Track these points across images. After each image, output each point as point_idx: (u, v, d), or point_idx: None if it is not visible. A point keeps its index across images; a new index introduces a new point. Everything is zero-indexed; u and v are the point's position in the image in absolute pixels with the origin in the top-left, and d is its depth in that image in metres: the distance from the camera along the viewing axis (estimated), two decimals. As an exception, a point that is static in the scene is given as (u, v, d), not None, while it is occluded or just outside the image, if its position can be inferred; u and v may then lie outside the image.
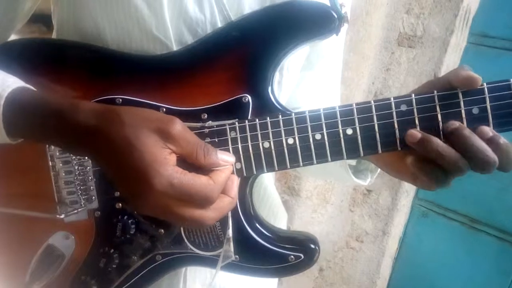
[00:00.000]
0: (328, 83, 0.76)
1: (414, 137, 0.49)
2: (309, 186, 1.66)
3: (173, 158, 0.45)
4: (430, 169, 0.49)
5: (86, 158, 0.56)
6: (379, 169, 0.65)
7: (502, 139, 0.48)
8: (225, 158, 0.49)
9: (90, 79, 0.55)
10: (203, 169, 0.47)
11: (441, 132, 0.50)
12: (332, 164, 0.57)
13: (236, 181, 0.50)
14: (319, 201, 1.71)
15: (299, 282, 1.82)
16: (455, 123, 0.49)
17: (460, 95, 0.49)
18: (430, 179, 0.50)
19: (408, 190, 1.68)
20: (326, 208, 1.74)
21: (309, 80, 0.72)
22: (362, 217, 1.78)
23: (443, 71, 1.49)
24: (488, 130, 0.48)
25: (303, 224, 1.70)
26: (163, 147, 0.44)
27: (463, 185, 1.56)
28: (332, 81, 0.77)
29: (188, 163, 0.46)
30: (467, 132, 0.48)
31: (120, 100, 0.55)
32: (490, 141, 0.48)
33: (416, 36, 1.54)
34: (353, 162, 0.67)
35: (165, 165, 0.43)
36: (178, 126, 0.45)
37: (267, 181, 0.72)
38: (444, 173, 0.49)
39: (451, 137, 0.49)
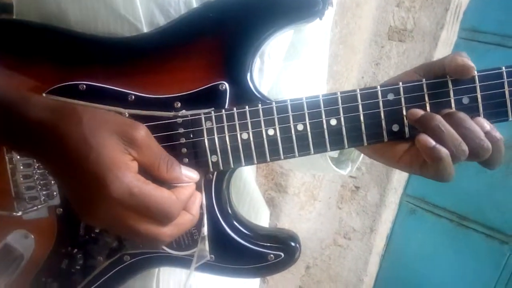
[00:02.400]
0: (313, 73, 0.72)
1: (415, 115, 0.46)
2: (296, 183, 1.63)
3: (134, 165, 0.41)
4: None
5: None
6: (360, 158, 0.62)
7: (499, 133, 0.45)
8: (189, 175, 0.46)
9: (50, 63, 0.51)
10: (163, 183, 0.43)
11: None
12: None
13: (199, 199, 0.47)
14: (306, 198, 1.69)
15: (285, 280, 1.79)
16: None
17: (450, 84, 0.46)
18: (426, 166, 0.46)
19: (396, 187, 1.67)
20: (314, 205, 1.72)
21: (293, 69, 0.68)
22: (350, 214, 1.76)
23: (433, 66, 1.47)
24: (485, 123, 0.45)
25: (290, 221, 1.67)
26: (124, 151, 0.41)
27: (451, 182, 1.53)
28: (318, 71, 0.73)
29: (148, 175, 0.43)
30: (463, 115, 0.45)
31: (84, 86, 0.50)
32: (486, 134, 0.45)
33: (406, 30, 1.51)
34: (335, 154, 0.64)
35: (125, 170, 0.40)
36: (143, 132, 0.42)
37: (247, 174, 0.68)
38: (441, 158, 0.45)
39: (448, 120, 0.45)
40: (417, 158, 0.47)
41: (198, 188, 0.48)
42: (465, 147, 0.44)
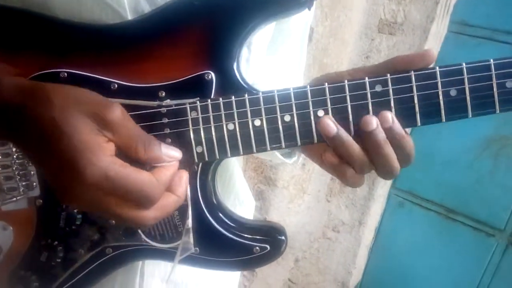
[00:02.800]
0: (288, 70, 0.71)
1: (327, 132, 0.47)
2: (286, 176, 1.63)
3: (110, 147, 0.40)
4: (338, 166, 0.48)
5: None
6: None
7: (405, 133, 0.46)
8: (170, 153, 0.44)
9: (31, 51, 0.49)
10: (144, 165, 0.42)
11: (417, 115, 0.46)
12: None
13: (185, 177, 0.45)
14: (296, 191, 1.69)
15: (274, 273, 1.79)
16: (372, 124, 0.45)
17: (438, 75, 0.46)
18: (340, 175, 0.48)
19: (385, 180, 1.67)
20: (303, 198, 1.72)
21: (269, 66, 0.66)
22: (339, 207, 1.76)
23: (423, 60, 1.46)
24: (390, 118, 0.45)
25: (280, 215, 1.67)
26: (98, 133, 0.39)
27: (439, 175, 1.56)
28: (294, 68, 0.72)
29: (126, 157, 0.41)
30: (382, 138, 0.45)
31: (65, 74, 0.48)
32: (388, 130, 0.45)
33: (396, 23, 1.51)
34: None
35: (100, 153, 0.38)
36: (117, 112, 0.40)
37: (233, 166, 0.67)
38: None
39: (365, 137, 0.46)
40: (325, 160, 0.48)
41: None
42: (371, 168, 0.47)
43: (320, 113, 0.47)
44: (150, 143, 0.43)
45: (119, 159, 0.40)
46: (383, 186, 1.68)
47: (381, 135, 0.45)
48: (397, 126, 0.46)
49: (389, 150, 0.46)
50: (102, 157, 0.38)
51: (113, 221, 0.50)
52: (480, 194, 1.49)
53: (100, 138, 0.39)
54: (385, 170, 0.47)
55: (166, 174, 0.43)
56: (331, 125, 0.46)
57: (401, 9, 1.49)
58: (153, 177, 0.41)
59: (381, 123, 0.45)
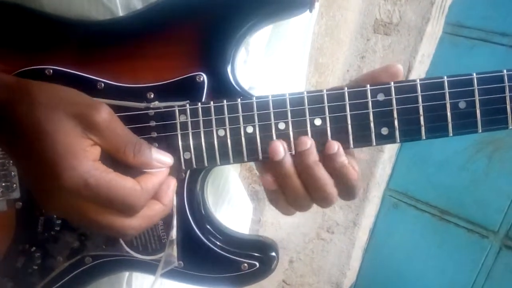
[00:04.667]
0: (288, 72, 0.67)
1: (276, 153, 0.44)
2: (281, 177, 1.61)
3: (95, 151, 0.38)
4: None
5: None
6: None
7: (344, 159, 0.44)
8: (161, 159, 0.42)
9: (16, 45, 0.46)
10: (133, 170, 0.40)
11: (422, 128, 0.43)
12: None
13: (172, 185, 0.43)
14: (291, 192, 1.67)
15: (267, 274, 1.78)
16: (306, 142, 0.44)
17: (446, 85, 0.43)
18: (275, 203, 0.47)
19: (379, 182, 1.67)
20: (298, 199, 1.70)
21: (267, 67, 0.63)
22: (333, 208, 1.75)
23: (418, 60, 1.46)
24: (335, 147, 0.43)
25: (274, 216, 1.66)
26: (83, 136, 0.37)
27: (434, 177, 1.55)
28: (293, 71, 0.68)
29: (114, 161, 0.39)
30: (312, 160, 0.43)
31: (51, 71, 0.46)
32: (329, 159, 0.43)
33: (392, 23, 1.50)
34: None
35: (82, 158, 0.36)
36: (104, 113, 0.38)
37: (228, 172, 0.64)
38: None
39: (302, 166, 0.44)
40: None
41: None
42: (308, 203, 0.45)
43: (317, 121, 0.44)
44: (140, 147, 0.40)
45: (102, 165, 0.38)
46: (377, 187, 1.67)
47: (312, 156, 0.43)
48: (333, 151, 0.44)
49: (321, 173, 0.44)
50: (83, 161, 0.36)
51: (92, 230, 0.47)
52: (474, 195, 1.48)
53: (85, 141, 0.37)
54: (318, 195, 0.45)
55: (153, 182, 0.40)
56: (280, 149, 0.44)
57: (396, 9, 1.48)
58: (137, 184, 0.39)
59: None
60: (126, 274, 0.56)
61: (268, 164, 0.46)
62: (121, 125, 0.40)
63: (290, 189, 0.44)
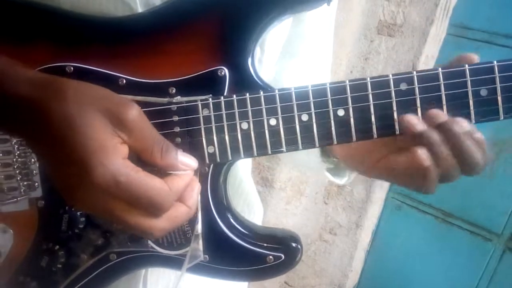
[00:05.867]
0: (314, 70, 0.68)
1: (413, 126, 0.42)
2: (283, 177, 1.61)
3: (124, 150, 0.38)
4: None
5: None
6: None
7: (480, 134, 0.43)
8: (186, 162, 0.42)
9: (36, 43, 0.46)
10: (157, 170, 0.40)
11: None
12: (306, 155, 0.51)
13: (197, 189, 0.43)
14: (293, 192, 1.67)
15: (270, 276, 1.77)
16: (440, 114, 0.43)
17: (467, 73, 0.43)
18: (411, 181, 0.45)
19: (382, 184, 1.66)
20: (301, 200, 1.70)
21: (292, 69, 0.63)
22: (336, 210, 1.75)
23: (422, 62, 1.46)
24: (466, 124, 0.42)
25: (276, 216, 1.65)
26: (113, 134, 0.37)
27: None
28: (320, 68, 0.69)
29: (140, 160, 0.39)
30: (462, 134, 0.42)
31: (72, 68, 0.46)
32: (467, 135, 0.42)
33: (396, 24, 1.50)
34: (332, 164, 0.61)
35: (113, 156, 0.36)
36: (135, 112, 0.38)
37: (243, 170, 0.64)
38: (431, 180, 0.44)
39: (445, 134, 0.43)
40: (398, 164, 0.45)
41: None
42: (457, 172, 0.44)
43: (340, 112, 0.45)
44: (167, 148, 0.40)
45: (131, 163, 0.38)
46: (380, 189, 1.67)
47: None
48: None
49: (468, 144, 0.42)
50: (114, 159, 0.36)
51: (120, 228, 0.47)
52: (478, 198, 1.48)
53: (115, 138, 0.37)
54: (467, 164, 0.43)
55: (179, 183, 0.40)
56: (416, 121, 0.43)
57: (400, 10, 1.49)
58: (166, 184, 0.39)
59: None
60: (143, 270, 0.55)
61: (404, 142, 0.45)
62: (149, 124, 0.40)
63: (443, 160, 0.43)
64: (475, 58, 0.44)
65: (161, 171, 0.40)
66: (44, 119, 0.36)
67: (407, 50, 1.50)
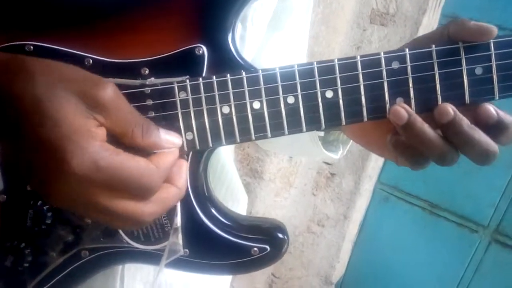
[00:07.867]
0: (295, 45, 0.66)
1: (399, 117, 0.40)
2: (272, 169, 1.59)
3: (101, 132, 0.34)
4: (411, 155, 0.42)
5: None
6: (351, 140, 0.56)
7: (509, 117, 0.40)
8: (170, 139, 0.39)
9: None
10: (140, 152, 0.36)
11: (438, 96, 0.41)
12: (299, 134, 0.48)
13: (184, 166, 0.40)
14: (282, 184, 1.65)
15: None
16: (449, 112, 0.39)
17: (462, 51, 0.40)
18: (411, 163, 0.43)
19: (371, 175, 1.66)
20: (290, 192, 1.69)
21: (275, 41, 0.61)
22: (324, 201, 1.74)
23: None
24: (493, 112, 0.39)
25: (265, 208, 1.63)
26: (88, 116, 0.33)
27: (424, 170, 1.53)
28: (300, 43, 0.67)
29: (120, 142, 0.36)
30: (466, 126, 0.39)
31: (31, 47, 0.41)
32: (495, 126, 0.40)
33: (388, 13, 1.49)
34: (321, 132, 0.58)
35: (90, 139, 0.33)
36: (110, 91, 0.35)
37: (225, 156, 0.61)
38: (426, 160, 0.42)
39: (446, 131, 0.40)
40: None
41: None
42: (454, 157, 0.42)
43: (329, 94, 0.41)
44: (148, 127, 0.37)
45: (111, 146, 0.34)
46: (369, 181, 1.66)
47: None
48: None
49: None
50: (91, 143, 0.33)
51: (90, 221, 0.43)
52: (465, 190, 1.49)
53: (90, 121, 0.34)
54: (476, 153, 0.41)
55: (165, 161, 0.37)
56: (403, 112, 0.40)
57: (393, 0, 1.47)
58: (151, 163, 0.36)
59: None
60: (120, 266, 0.52)
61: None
62: (127, 103, 0.37)
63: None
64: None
65: (144, 153, 0.37)
66: (8, 104, 0.32)
67: (399, 40, 1.49)
